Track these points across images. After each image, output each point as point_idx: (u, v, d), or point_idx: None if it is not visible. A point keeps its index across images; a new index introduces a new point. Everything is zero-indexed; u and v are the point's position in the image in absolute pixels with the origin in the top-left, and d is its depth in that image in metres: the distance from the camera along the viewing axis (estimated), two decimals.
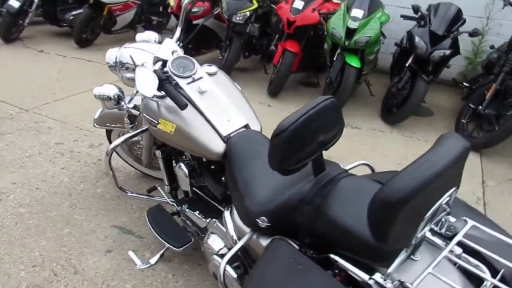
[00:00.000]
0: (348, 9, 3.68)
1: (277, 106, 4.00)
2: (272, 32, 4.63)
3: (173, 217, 1.98)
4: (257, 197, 1.37)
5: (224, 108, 1.66)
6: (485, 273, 1.00)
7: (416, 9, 3.66)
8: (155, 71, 1.53)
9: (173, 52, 1.81)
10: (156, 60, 1.76)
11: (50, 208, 2.27)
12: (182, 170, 1.76)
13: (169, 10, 4.59)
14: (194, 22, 4.33)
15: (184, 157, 1.82)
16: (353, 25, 3.56)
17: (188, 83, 1.67)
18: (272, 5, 4.33)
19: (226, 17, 4.15)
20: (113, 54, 1.96)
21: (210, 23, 4.44)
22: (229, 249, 1.47)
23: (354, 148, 3.27)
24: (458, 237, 1.07)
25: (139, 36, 2.09)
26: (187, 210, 1.86)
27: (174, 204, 1.96)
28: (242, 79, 4.61)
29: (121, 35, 5.57)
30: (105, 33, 5.36)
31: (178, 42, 1.98)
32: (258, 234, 1.37)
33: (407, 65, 3.61)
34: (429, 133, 3.53)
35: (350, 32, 3.57)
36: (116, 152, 2.38)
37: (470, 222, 1.10)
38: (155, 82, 1.49)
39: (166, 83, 1.55)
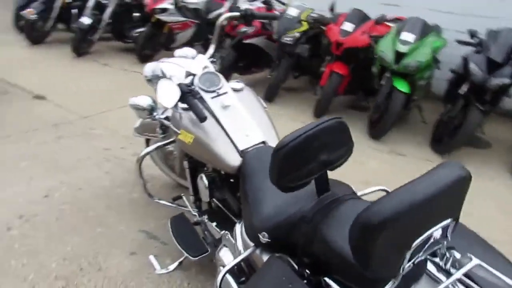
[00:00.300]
0: (399, 33, 3.61)
1: None
2: (322, 54, 4.64)
3: (194, 227, 2.03)
4: (262, 212, 1.38)
5: (244, 123, 1.70)
6: None
7: (472, 34, 3.51)
8: (179, 84, 1.62)
9: (204, 68, 1.91)
10: (187, 74, 1.85)
11: (88, 208, 2.43)
12: (202, 181, 1.81)
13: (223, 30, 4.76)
14: (245, 41, 4.47)
15: (206, 168, 1.88)
16: (402, 48, 3.48)
17: (212, 97, 1.74)
18: (322, 27, 4.36)
19: (276, 37, 4.24)
20: (150, 67, 2.09)
21: (261, 42, 4.55)
22: None
23: (394, 175, 3.15)
24: (457, 275, 1.02)
25: (177, 52, 2.21)
26: (206, 220, 1.91)
27: (196, 214, 2.02)
28: (290, 98, 4.66)
29: None
30: (165, 50, 5.69)
31: (211, 59, 2.07)
32: (261, 250, 1.38)
33: (460, 92, 3.45)
34: (482, 167, 3.32)
35: (400, 56, 3.49)
36: (154, 161, 2.51)
37: (475, 261, 1.04)
38: (176, 94, 1.58)
39: (189, 96, 1.63)
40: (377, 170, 3.24)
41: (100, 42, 5.87)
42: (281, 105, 4.42)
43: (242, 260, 1.39)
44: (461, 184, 0.96)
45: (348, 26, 3.92)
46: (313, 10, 4.37)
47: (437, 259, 1.08)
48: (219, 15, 4.52)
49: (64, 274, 1.96)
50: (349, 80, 4.12)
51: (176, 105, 1.70)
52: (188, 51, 2.20)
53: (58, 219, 2.32)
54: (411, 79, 3.60)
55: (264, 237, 1.31)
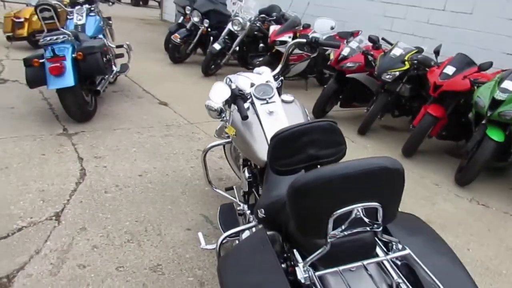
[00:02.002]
0: (502, 80, 3.45)
1: (405, 164, 3.92)
2: (426, 96, 4.59)
3: (238, 217, 2.34)
4: (265, 195, 1.64)
5: (281, 127, 1.97)
6: None
7: None
8: (232, 89, 2.00)
9: (266, 81, 2.25)
10: (251, 85, 2.22)
11: (167, 190, 2.94)
12: (244, 173, 2.13)
13: (328, 63, 5.07)
14: (347, 76, 4.69)
15: (249, 163, 2.19)
16: (500, 96, 3.33)
17: (261, 104, 2.06)
18: (426, 69, 4.34)
19: (376, 73, 4.37)
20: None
21: (363, 78, 4.71)
22: None
23: (468, 222, 3.02)
24: (383, 258, 1.15)
25: (256, 69, 2.60)
26: (247, 212, 2.20)
27: (240, 204, 2.33)
28: (383, 135, 4.70)
29: (293, 82, 6.36)
30: None
31: (276, 76, 2.41)
32: (259, 225, 1.63)
33: None
34: None
35: (496, 103, 3.34)
36: (226, 157, 2.90)
37: (407, 251, 1.16)
38: (226, 94, 1.95)
39: (238, 98, 2.00)
40: (448, 214, 3.12)
41: (226, 67, 6.69)
42: (371, 139, 4.50)
43: (242, 231, 1.65)
44: (388, 174, 1.10)
45: (449, 69, 3.87)
46: (419, 52, 4.41)
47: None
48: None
49: (132, 231, 2.45)
50: (445, 124, 4.02)
51: (230, 106, 2.07)
52: (264, 69, 2.57)
53: (142, 192, 2.87)
54: (509, 129, 3.39)
55: (261, 213, 1.57)
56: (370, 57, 4.59)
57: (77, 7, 4.47)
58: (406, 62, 4.28)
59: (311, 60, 6.11)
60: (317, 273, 1.14)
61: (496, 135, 3.36)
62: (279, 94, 2.21)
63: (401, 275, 1.15)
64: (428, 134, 4.06)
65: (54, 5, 3.51)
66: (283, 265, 1.31)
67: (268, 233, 1.52)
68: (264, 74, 2.35)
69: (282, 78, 2.48)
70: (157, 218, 2.60)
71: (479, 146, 3.43)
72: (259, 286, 1.24)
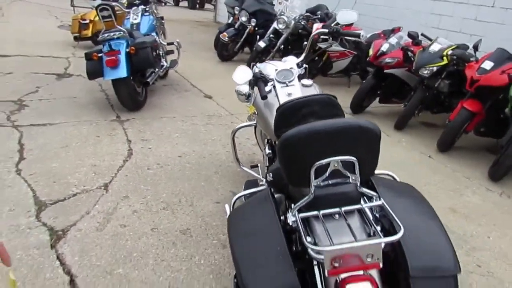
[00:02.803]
0: None
1: (438, 159, 3.97)
2: (466, 92, 4.53)
3: None
4: (275, 163, 1.86)
5: None
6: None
7: None
8: (254, 72, 2.23)
9: (290, 67, 2.47)
10: (275, 69, 2.44)
11: (202, 169, 3.23)
12: (265, 149, 2.36)
13: (367, 59, 5.15)
14: (386, 71, 4.75)
15: (270, 141, 2.40)
16: None
17: (282, 87, 2.28)
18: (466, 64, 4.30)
19: (414, 69, 4.41)
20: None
21: (401, 74, 4.75)
22: None
23: (493, 214, 3.05)
24: (358, 206, 1.34)
25: (283, 58, 2.81)
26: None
27: (263, 181, 2.55)
28: (420, 131, 4.71)
29: (335, 79, 6.47)
30: (321, 76, 6.37)
31: (300, 63, 2.61)
32: (269, 188, 1.85)
33: None
34: None
35: None
36: (256, 139, 3.11)
37: (380, 202, 1.33)
38: (247, 75, 2.19)
39: (259, 81, 2.23)
40: (474, 205, 3.14)
41: None
42: (407, 134, 4.54)
43: (254, 193, 1.88)
44: (363, 133, 1.28)
45: (487, 64, 3.84)
46: (459, 47, 4.38)
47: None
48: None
49: (168, 201, 2.76)
50: (482, 120, 3.98)
51: (253, 89, 2.31)
52: (290, 57, 2.78)
53: (180, 170, 3.18)
54: None
55: (269, 176, 1.79)
56: (409, 53, 4.62)
57: (133, 8, 4.93)
58: (445, 57, 4.27)
59: (354, 58, 6.20)
60: (301, 215, 1.34)
61: None
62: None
63: (374, 224, 1.32)
64: (464, 130, 4.05)
65: (112, 5, 3.95)
66: (282, 217, 1.52)
67: (276, 195, 1.74)
68: (288, 62, 2.56)
69: (306, 66, 2.67)
70: (191, 192, 2.89)
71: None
72: (257, 231, 1.46)
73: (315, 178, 1.32)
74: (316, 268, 1.39)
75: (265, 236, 1.42)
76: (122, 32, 3.97)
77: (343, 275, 1.25)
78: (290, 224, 1.39)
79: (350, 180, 1.35)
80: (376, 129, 1.32)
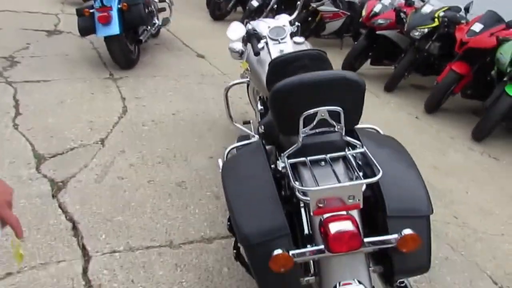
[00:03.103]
0: None
1: (425, 119, 4.10)
2: (455, 54, 4.61)
3: None
4: (267, 116, 1.95)
5: None
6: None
7: None
8: (248, 29, 2.28)
9: (283, 25, 2.51)
10: (267, 26, 2.49)
11: (196, 126, 3.32)
12: (257, 107, 2.45)
13: (360, 20, 5.16)
14: (377, 32, 4.78)
15: (262, 96, 2.48)
16: None
17: (274, 44, 2.33)
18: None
19: (406, 30, 4.44)
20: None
21: (394, 36, 4.78)
22: None
23: (473, 171, 3.22)
24: (342, 154, 1.45)
25: (276, 16, 2.85)
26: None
27: (255, 136, 2.66)
28: (410, 92, 4.80)
29: (328, 40, 6.47)
30: (314, 36, 6.36)
31: (292, 21, 2.65)
32: (261, 140, 1.95)
33: None
34: None
35: None
36: (248, 96, 3.18)
37: (362, 149, 1.45)
38: (241, 32, 2.25)
39: (253, 37, 2.28)
40: (456, 163, 3.30)
41: None
42: (396, 96, 4.64)
43: (246, 144, 1.98)
44: (348, 84, 1.37)
45: (476, 27, 3.90)
46: (451, 9, 4.40)
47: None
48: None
49: (163, 156, 2.86)
50: (470, 82, 4.08)
51: (246, 45, 2.36)
52: (282, 15, 2.81)
53: (174, 127, 3.27)
54: None
55: (261, 129, 1.88)
56: (402, 14, 4.63)
57: None
58: (436, 19, 4.31)
59: (347, 19, 6.17)
60: (289, 161, 1.45)
61: None
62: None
63: (356, 169, 1.44)
64: (452, 91, 4.15)
65: None
66: (273, 166, 1.63)
67: (267, 147, 1.84)
68: (281, 20, 2.61)
69: (299, 24, 2.71)
70: (185, 148, 2.99)
71: (496, 102, 3.52)
72: (249, 177, 1.58)
73: (304, 127, 1.42)
74: (302, 210, 1.52)
75: (256, 181, 1.53)
76: None
77: (326, 215, 1.38)
78: (280, 169, 1.50)
79: (336, 129, 1.45)
80: (361, 81, 1.41)
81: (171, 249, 2.06)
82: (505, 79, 3.54)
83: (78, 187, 2.42)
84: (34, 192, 2.33)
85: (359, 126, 2.05)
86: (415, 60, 4.56)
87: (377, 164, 1.38)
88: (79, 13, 3.93)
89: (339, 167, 1.50)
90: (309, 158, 1.46)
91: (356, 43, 5.08)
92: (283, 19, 2.61)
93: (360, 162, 1.55)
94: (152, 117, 3.38)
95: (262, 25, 2.61)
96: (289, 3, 6.56)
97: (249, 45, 2.38)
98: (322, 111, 1.40)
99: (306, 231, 1.50)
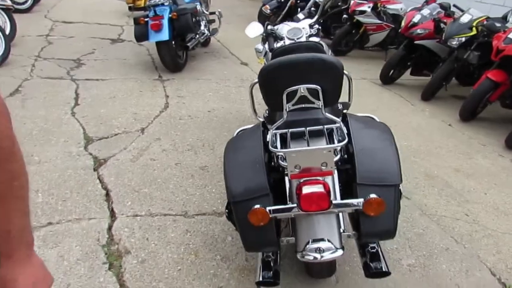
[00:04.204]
0: None
1: (458, 127, 4.09)
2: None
3: None
4: None
5: None
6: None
7: None
8: (266, 29, 2.56)
9: (302, 28, 2.76)
10: (288, 28, 2.75)
11: (227, 122, 3.63)
12: None
13: (399, 31, 5.23)
14: (416, 42, 4.84)
15: None
16: None
17: (291, 43, 2.58)
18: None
19: (443, 39, 4.47)
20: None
21: (432, 45, 4.81)
22: None
23: (497, 175, 3.21)
24: (320, 127, 1.65)
25: (301, 21, 3.10)
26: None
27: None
28: (450, 103, 4.71)
29: (372, 52, 6.56)
30: (358, 48, 6.49)
31: (313, 24, 2.88)
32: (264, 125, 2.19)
33: None
34: None
35: None
36: None
37: (337, 124, 1.64)
38: (258, 31, 2.52)
39: (270, 36, 2.55)
40: (481, 167, 3.29)
41: None
42: (432, 105, 4.65)
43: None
44: (325, 65, 1.58)
45: None
46: (490, 18, 4.38)
47: None
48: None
49: (192, 144, 3.19)
50: (507, 90, 4.02)
51: (264, 44, 2.63)
52: (305, 19, 3.05)
53: (207, 122, 3.60)
54: None
55: (266, 113, 2.12)
56: (441, 24, 4.67)
57: None
58: (474, 28, 4.31)
59: (391, 31, 6.23)
60: (273, 131, 1.68)
61: None
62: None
63: (334, 141, 1.63)
64: (488, 100, 4.11)
65: None
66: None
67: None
68: (301, 22, 2.86)
69: (319, 27, 2.94)
70: (214, 139, 3.30)
71: None
72: (243, 148, 1.83)
73: (287, 102, 1.65)
74: (286, 177, 1.73)
75: (248, 152, 1.78)
76: (166, 0, 4.40)
77: (303, 180, 1.59)
78: (267, 139, 1.73)
79: (315, 105, 1.66)
80: (338, 63, 1.62)
81: (184, 218, 2.34)
82: None
83: (115, 164, 2.80)
84: (80, 165, 2.74)
85: (359, 114, 2.24)
86: (453, 70, 4.56)
87: (345, 134, 1.57)
88: (136, 21, 4.45)
89: (320, 141, 1.70)
90: (290, 130, 1.68)
91: (394, 53, 5.15)
92: (304, 23, 2.86)
93: (340, 138, 1.74)
94: (189, 113, 3.74)
95: (285, 27, 2.87)
96: (335, 17, 6.80)
97: (267, 43, 2.66)
98: (302, 88, 1.62)
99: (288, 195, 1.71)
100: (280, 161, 1.70)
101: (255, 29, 2.59)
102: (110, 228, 2.20)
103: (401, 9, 6.17)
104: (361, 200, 1.54)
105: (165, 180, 2.68)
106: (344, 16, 6.76)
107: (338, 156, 1.68)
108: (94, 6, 7.98)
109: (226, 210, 1.83)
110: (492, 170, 3.28)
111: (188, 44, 4.80)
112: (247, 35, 2.66)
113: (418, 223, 2.52)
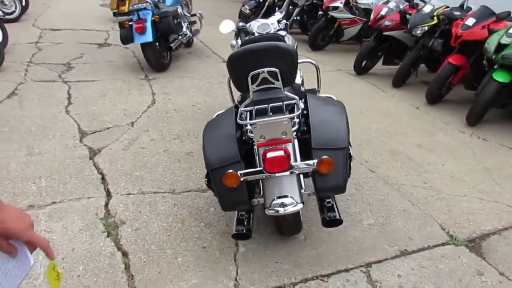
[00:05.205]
0: (511, 27, 3.77)
1: (425, 109, 4.43)
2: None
3: None
4: None
5: None
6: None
7: None
8: (238, 25, 2.87)
9: (271, 24, 3.08)
10: (258, 24, 3.07)
11: (211, 114, 3.87)
12: None
13: (369, 23, 5.59)
14: (384, 33, 5.19)
15: None
16: (505, 40, 3.68)
17: (256, 36, 2.90)
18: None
19: (408, 29, 4.82)
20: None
21: (400, 35, 5.15)
22: None
23: (457, 149, 3.54)
24: (279, 103, 1.97)
25: (269, 17, 3.41)
26: None
27: None
28: (419, 88, 5.01)
29: (347, 46, 6.91)
30: (335, 43, 6.83)
31: (280, 19, 3.20)
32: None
33: None
34: None
35: (501, 47, 3.70)
36: None
37: (294, 100, 1.96)
38: (230, 27, 2.84)
39: (241, 32, 2.86)
40: (441, 143, 3.63)
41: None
42: (402, 91, 5.01)
43: None
44: (281, 51, 1.90)
45: (470, 21, 4.22)
46: (449, 8, 4.74)
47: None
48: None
49: (178, 134, 3.49)
50: (468, 73, 4.38)
51: (237, 39, 2.95)
52: (273, 16, 3.36)
53: (192, 114, 3.91)
54: None
55: (239, 97, 2.44)
56: (407, 16, 5.02)
57: None
58: (435, 17, 4.67)
59: (365, 24, 6.58)
60: (242, 109, 1.99)
61: (500, 77, 3.72)
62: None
63: (296, 115, 1.95)
64: (450, 82, 4.46)
65: None
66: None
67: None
68: (270, 19, 3.18)
69: (286, 22, 3.26)
70: (198, 129, 3.60)
71: (485, 87, 3.82)
72: (218, 126, 2.14)
73: (252, 84, 1.97)
74: (254, 147, 2.05)
75: (223, 128, 2.09)
76: (148, 3, 4.70)
77: (267, 148, 1.90)
78: (237, 116, 2.04)
79: (276, 85, 1.98)
80: (291, 48, 1.94)
81: (172, 195, 2.65)
82: (495, 66, 3.83)
83: (109, 153, 3.10)
84: (77, 155, 3.03)
85: (322, 95, 2.57)
86: (419, 57, 4.91)
87: (301, 108, 1.89)
88: (121, 25, 4.74)
89: (281, 114, 2.02)
90: (256, 107, 2.00)
91: (365, 44, 5.50)
92: (273, 19, 3.18)
93: (299, 114, 2.06)
94: (174, 107, 4.04)
95: (256, 24, 3.19)
96: (311, 14, 7.14)
97: (239, 38, 2.97)
98: (263, 71, 1.94)
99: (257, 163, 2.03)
100: (249, 134, 2.01)
101: (227, 26, 2.90)
102: (106, 205, 2.50)
103: (372, 3, 6.53)
104: (315, 161, 1.86)
105: (154, 165, 2.98)
106: (320, 13, 7.11)
107: (296, 127, 2.00)
108: (80, 13, 8.24)
109: (206, 179, 2.13)
110: (452, 145, 3.62)
111: (172, 45, 5.10)
112: (221, 31, 2.97)
113: (380, 191, 2.85)
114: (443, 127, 4.00)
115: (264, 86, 1.99)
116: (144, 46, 4.76)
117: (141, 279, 1.97)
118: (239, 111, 2.02)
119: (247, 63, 1.95)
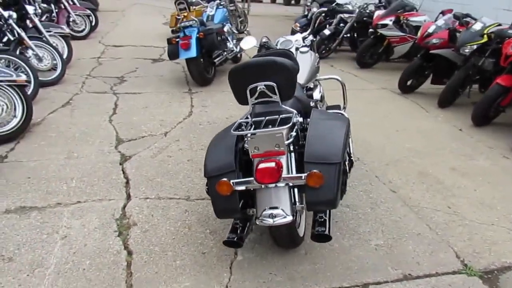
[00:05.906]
0: None
1: (468, 132, 4.20)
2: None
3: None
4: None
5: None
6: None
7: None
8: (261, 42, 2.97)
9: (295, 40, 3.14)
10: (282, 40, 3.14)
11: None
12: None
13: (415, 41, 5.42)
14: (431, 51, 5.00)
15: None
16: None
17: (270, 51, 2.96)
18: None
19: (457, 47, 4.62)
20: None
21: (447, 53, 4.94)
22: None
23: (494, 174, 3.34)
24: (277, 116, 2.02)
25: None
26: None
27: None
28: (467, 109, 4.75)
29: (397, 64, 6.73)
30: (384, 61, 6.69)
31: (306, 36, 3.24)
32: None
33: None
34: None
35: None
36: None
37: (291, 114, 2.00)
38: (252, 43, 2.94)
39: (261, 47, 2.95)
40: (478, 167, 3.43)
41: (340, 52, 7.46)
42: (448, 112, 4.77)
43: None
44: (277, 66, 1.96)
45: None
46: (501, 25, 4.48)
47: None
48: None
49: (206, 145, 3.60)
50: None
51: None
52: (299, 34, 3.42)
53: (224, 126, 4.03)
54: None
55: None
56: (456, 34, 4.82)
57: (210, 3, 5.95)
58: (485, 36, 4.43)
59: (415, 42, 6.38)
60: (239, 120, 2.07)
61: None
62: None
63: (286, 128, 1.99)
64: (499, 104, 4.18)
65: (187, 0, 4.98)
66: None
67: None
68: (295, 35, 3.24)
69: (313, 39, 3.30)
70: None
71: None
72: (222, 137, 2.24)
73: (250, 97, 2.05)
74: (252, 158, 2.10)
75: (224, 139, 2.18)
76: (194, 21, 4.98)
77: (261, 159, 1.95)
78: (236, 127, 2.11)
79: (273, 99, 2.04)
80: (288, 64, 1.99)
81: (186, 201, 2.77)
82: None
83: (137, 160, 3.31)
84: (109, 160, 3.28)
85: (334, 111, 2.57)
86: (468, 77, 4.67)
87: (299, 122, 1.93)
88: (169, 42, 5.07)
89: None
90: (253, 119, 2.06)
91: (411, 62, 5.33)
92: (298, 36, 3.24)
93: (298, 128, 2.09)
94: (208, 119, 4.21)
95: (280, 40, 3.27)
96: (361, 31, 7.08)
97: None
98: (261, 85, 2.01)
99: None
100: (246, 145, 2.08)
101: (249, 42, 3.01)
102: (124, 207, 2.68)
103: (424, 21, 6.32)
104: (305, 174, 1.88)
105: (176, 172, 3.13)
106: (370, 30, 7.01)
107: (292, 140, 2.03)
108: (143, 31, 8.86)
109: (206, 187, 2.22)
110: (490, 170, 3.39)
111: (215, 60, 5.33)
112: (242, 47, 3.09)
113: (397, 212, 2.75)
114: (485, 151, 3.75)
115: (262, 100, 2.06)
116: (188, 61, 5.03)
117: (138, 277, 2.09)
118: (236, 123, 2.09)
119: (246, 77, 2.03)
